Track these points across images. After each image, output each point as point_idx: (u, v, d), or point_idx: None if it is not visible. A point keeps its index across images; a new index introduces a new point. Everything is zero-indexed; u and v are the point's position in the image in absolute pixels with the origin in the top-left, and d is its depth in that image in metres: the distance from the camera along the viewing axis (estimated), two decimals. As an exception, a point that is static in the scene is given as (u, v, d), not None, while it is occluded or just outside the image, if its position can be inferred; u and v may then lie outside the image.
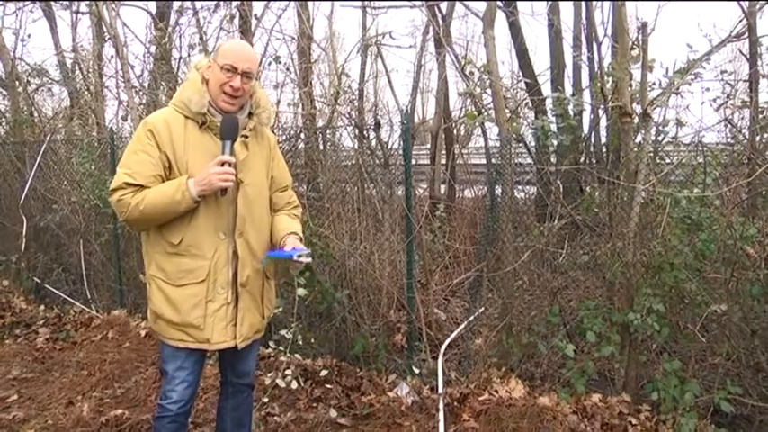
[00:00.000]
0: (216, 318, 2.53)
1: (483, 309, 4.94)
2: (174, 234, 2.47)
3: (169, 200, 2.39)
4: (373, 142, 5.35)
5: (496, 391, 3.80)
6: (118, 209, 2.45)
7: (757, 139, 4.53)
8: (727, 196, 3.98)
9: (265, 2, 8.01)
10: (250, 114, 2.64)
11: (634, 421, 3.49)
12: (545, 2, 8.09)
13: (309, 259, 2.56)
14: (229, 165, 2.41)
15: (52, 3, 9.72)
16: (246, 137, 2.60)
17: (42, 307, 6.34)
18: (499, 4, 5.54)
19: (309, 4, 8.08)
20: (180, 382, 2.58)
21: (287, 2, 7.27)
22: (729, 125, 5.01)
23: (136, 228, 2.66)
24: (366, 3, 8.07)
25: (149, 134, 2.45)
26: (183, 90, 2.55)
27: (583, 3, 8.09)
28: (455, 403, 3.80)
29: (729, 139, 5.02)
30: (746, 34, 5.23)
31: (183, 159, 2.46)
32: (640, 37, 3.68)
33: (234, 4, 6.60)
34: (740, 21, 4.69)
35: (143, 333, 5.29)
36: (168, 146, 2.45)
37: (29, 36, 8.84)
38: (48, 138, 7.28)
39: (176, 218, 2.45)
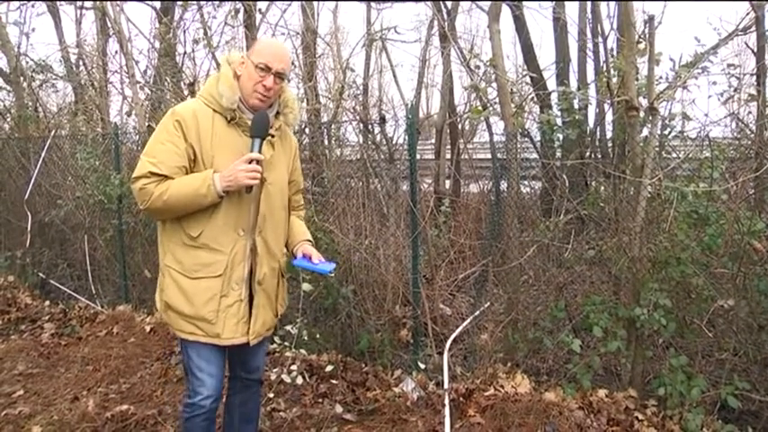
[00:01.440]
0: (228, 313, 2.52)
1: (488, 304, 4.93)
2: (193, 227, 2.47)
3: (194, 192, 2.39)
4: (378, 137, 5.34)
5: (502, 386, 3.79)
6: (139, 197, 2.43)
7: (766, 133, 4.49)
8: (734, 191, 3.95)
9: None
10: (277, 114, 2.65)
11: (640, 417, 3.47)
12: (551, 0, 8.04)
13: (332, 274, 2.78)
14: (257, 162, 2.42)
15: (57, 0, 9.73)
16: (273, 136, 2.60)
17: (47, 302, 6.36)
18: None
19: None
20: (209, 376, 2.57)
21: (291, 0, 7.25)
22: (736, 119, 4.98)
23: (155, 217, 2.64)
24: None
25: (177, 125, 2.43)
26: (214, 84, 2.52)
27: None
28: (461, 399, 3.79)
29: (736, 134, 4.98)
30: (753, 27, 5.19)
31: (209, 153, 2.46)
32: (647, 30, 3.66)
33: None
34: (747, 14, 4.65)
35: (148, 328, 5.30)
36: (195, 138, 2.44)
37: (33, 30, 8.82)
38: (52, 133, 7.28)
39: (197, 211, 2.45)
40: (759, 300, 3.56)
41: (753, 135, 4.72)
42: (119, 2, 6.73)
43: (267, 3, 7.55)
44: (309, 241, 2.79)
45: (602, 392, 3.68)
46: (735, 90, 4.99)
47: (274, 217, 2.64)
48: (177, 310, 2.52)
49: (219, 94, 2.46)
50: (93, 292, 6.36)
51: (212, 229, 2.48)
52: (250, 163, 2.40)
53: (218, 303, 2.50)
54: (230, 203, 2.48)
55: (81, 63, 10.05)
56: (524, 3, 7.66)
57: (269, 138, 2.57)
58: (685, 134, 4.22)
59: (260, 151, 2.45)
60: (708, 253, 3.62)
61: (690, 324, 3.70)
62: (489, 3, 4.58)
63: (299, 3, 7.78)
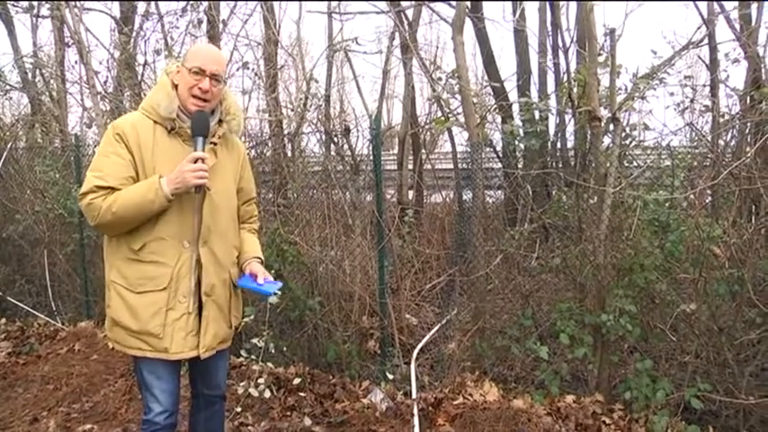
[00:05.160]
0: (175, 327, 2.46)
1: (455, 312, 4.96)
2: (136, 240, 2.42)
3: (141, 199, 2.34)
4: (344, 147, 5.33)
5: (471, 394, 3.82)
6: (88, 213, 2.38)
7: (721, 142, 4.63)
8: (693, 198, 4.06)
9: (233, 1, 7.93)
10: (220, 121, 2.60)
11: (608, 421, 3.53)
12: (512, 1, 8.17)
13: (278, 294, 2.73)
14: (202, 161, 2.38)
15: (9, 6, 9.52)
16: (215, 144, 2.56)
17: (3, 320, 6.16)
18: (467, 6, 5.58)
19: (276, 8, 8.05)
20: (161, 392, 2.51)
21: (255, 2, 7.22)
22: (693, 129, 5.13)
23: (108, 232, 2.53)
24: (334, 5, 8.07)
25: (118, 137, 2.41)
26: (153, 94, 2.52)
27: (548, 9, 8.20)
28: (430, 408, 3.80)
29: (694, 143, 5.13)
30: (706, 41, 5.37)
31: (150, 164, 2.42)
32: (608, 43, 3.75)
33: (202, 8, 6.52)
34: (698, 28, 4.81)
35: (111, 345, 5.17)
36: (136, 150, 2.41)
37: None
38: (8, 146, 7.09)
39: (140, 224, 2.40)
40: (719, 303, 3.67)
41: (709, 144, 4.86)
42: (78, 8, 6.58)
43: (229, 9, 7.49)
44: (259, 259, 2.73)
45: (569, 398, 3.74)
46: (691, 101, 5.15)
47: (220, 227, 2.58)
48: (123, 325, 2.46)
49: (157, 103, 2.45)
50: (53, 308, 6.19)
51: (155, 242, 2.42)
52: (195, 162, 2.36)
53: (164, 317, 2.44)
54: (172, 214, 2.43)
55: (38, 73, 9.83)
56: (486, 12, 7.77)
57: (211, 146, 2.52)
58: (645, 143, 4.33)
59: (203, 150, 2.42)
60: (670, 259, 3.71)
61: (654, 329, 3.79)
62: (453, 15, 4.64)
63: (261, 13, 7.76)
